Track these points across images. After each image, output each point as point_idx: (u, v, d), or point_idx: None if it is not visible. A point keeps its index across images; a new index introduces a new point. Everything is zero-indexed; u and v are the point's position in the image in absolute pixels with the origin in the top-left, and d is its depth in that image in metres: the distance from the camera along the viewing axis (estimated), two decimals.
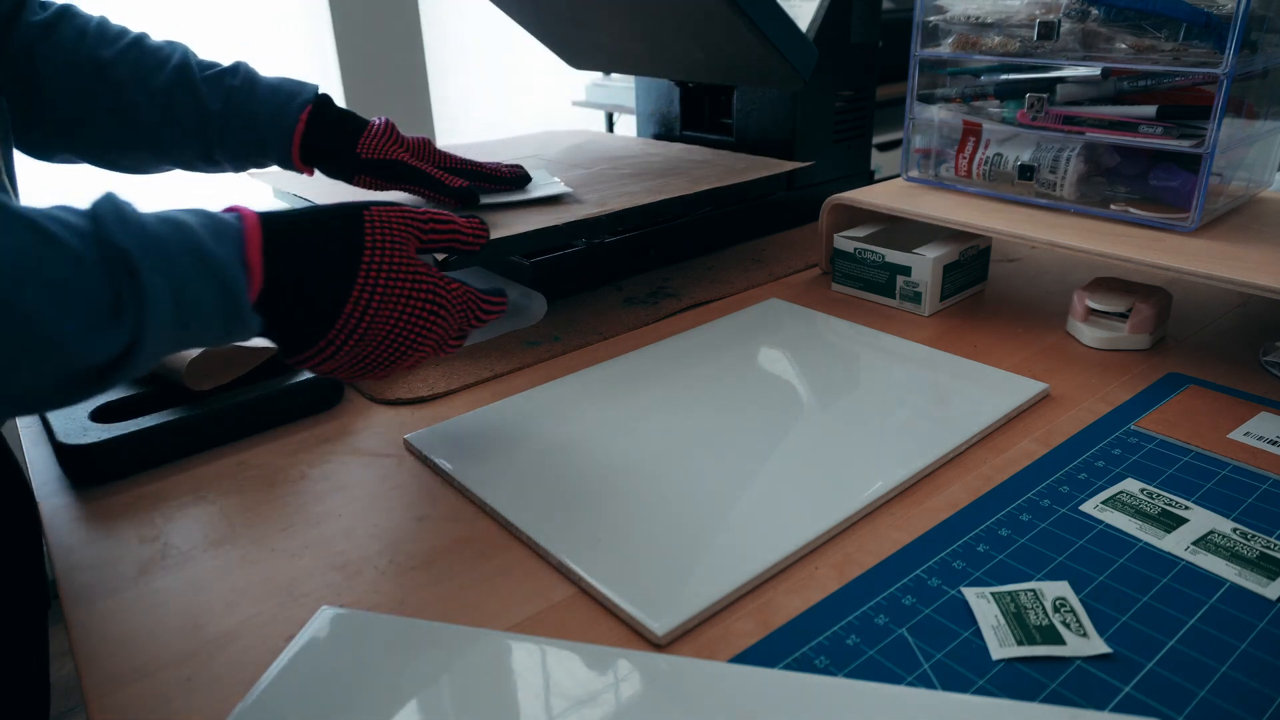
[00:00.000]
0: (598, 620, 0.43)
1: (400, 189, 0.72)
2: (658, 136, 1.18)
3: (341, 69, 2.38)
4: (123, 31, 0.66)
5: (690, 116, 1.13)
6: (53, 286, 0.34)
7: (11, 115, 0.60)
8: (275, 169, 0.72)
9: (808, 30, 0.95)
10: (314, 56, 2.38)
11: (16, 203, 0.36)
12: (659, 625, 0.41)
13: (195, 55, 0.68)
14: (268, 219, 0.44)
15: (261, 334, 0.45)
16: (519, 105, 2.83)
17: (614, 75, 2.25)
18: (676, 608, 0.42)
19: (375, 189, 0.72)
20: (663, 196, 0.80)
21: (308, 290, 0.45)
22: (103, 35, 0.64)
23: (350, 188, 0.74)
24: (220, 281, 0.41)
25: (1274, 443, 0.55)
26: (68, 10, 0.64)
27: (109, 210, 0.38)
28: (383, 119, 0.71)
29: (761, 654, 0.40)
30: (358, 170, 0.70)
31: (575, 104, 2.45)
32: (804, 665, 0.39)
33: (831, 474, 0.52)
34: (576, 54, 1.14)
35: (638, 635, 0.42)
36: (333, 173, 0.71)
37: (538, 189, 0.75)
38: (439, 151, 0.75)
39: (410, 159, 0.71)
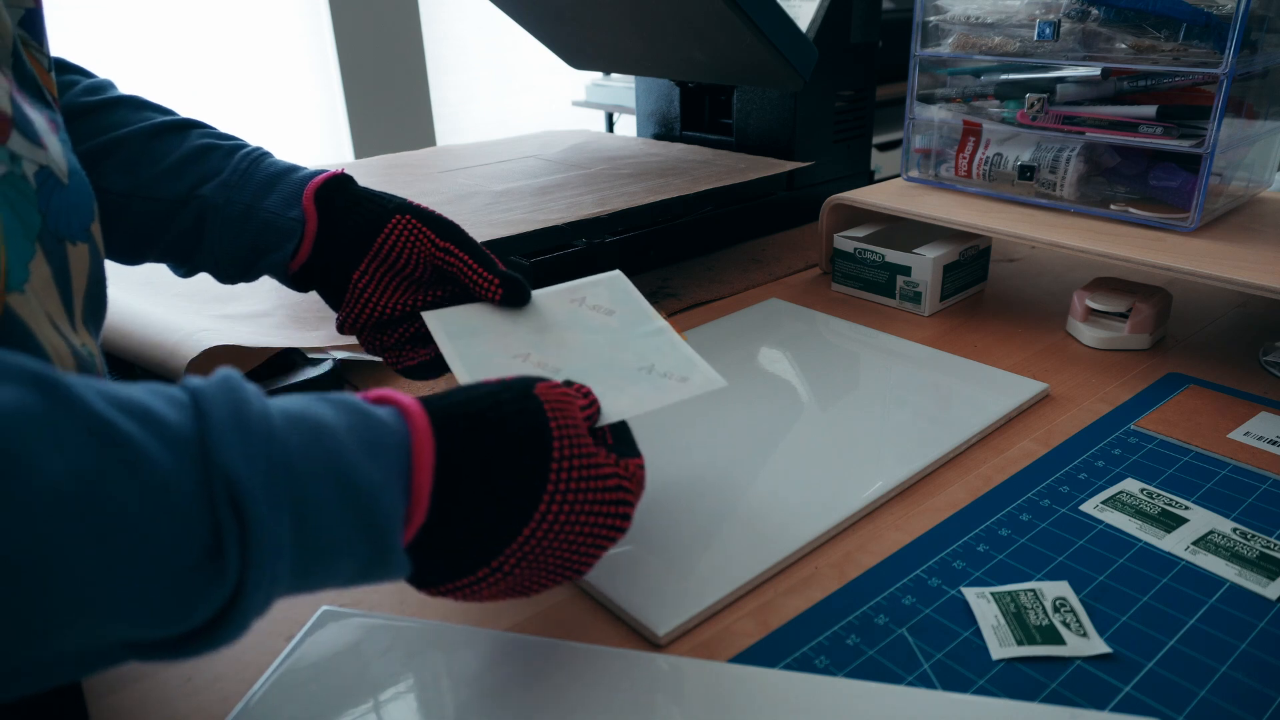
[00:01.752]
0: (598, 620, 0.43)
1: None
2: (658, 136, 1.18)
3: (341, 69, 2.38)
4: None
5: (690, 116, 1.13)
6: (118, 529, 0.23)
7: None
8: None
9: (808, 30, 0.95)
10: (314, 56, 2.38)
11: (84, 388, 0.24)
12: (659, 626, 0.41)
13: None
14: (436, 416, 0.33)
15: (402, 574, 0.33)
16: (519, 105, 2.83)
17: (614, 75, 2.25)
18: (676, 608, 0.42)
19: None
20: (663, 196, 0.81)
21: (485, 514, 0.33)
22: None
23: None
24: (368, 519, 0.29)
25: (1274, 443, 0.55)
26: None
27: (223, 404, 0.26)
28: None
29: (761, 654, 0.40)
30: (401, 207, 0.53)
31: (575, 104, 2.45)
32: (804, 665, 0.39)
33: (831, 474, 0.52)
34: (576, 54, 1.14)
35: (638, 635, 0.42)
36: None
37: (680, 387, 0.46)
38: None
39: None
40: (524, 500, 0.34)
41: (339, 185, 0.53)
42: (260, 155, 0.54)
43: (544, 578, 0.37)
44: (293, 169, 0.54)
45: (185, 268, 0.55)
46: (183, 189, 0.52)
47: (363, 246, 0.52)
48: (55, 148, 0.38)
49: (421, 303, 0.53)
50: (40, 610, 0.22)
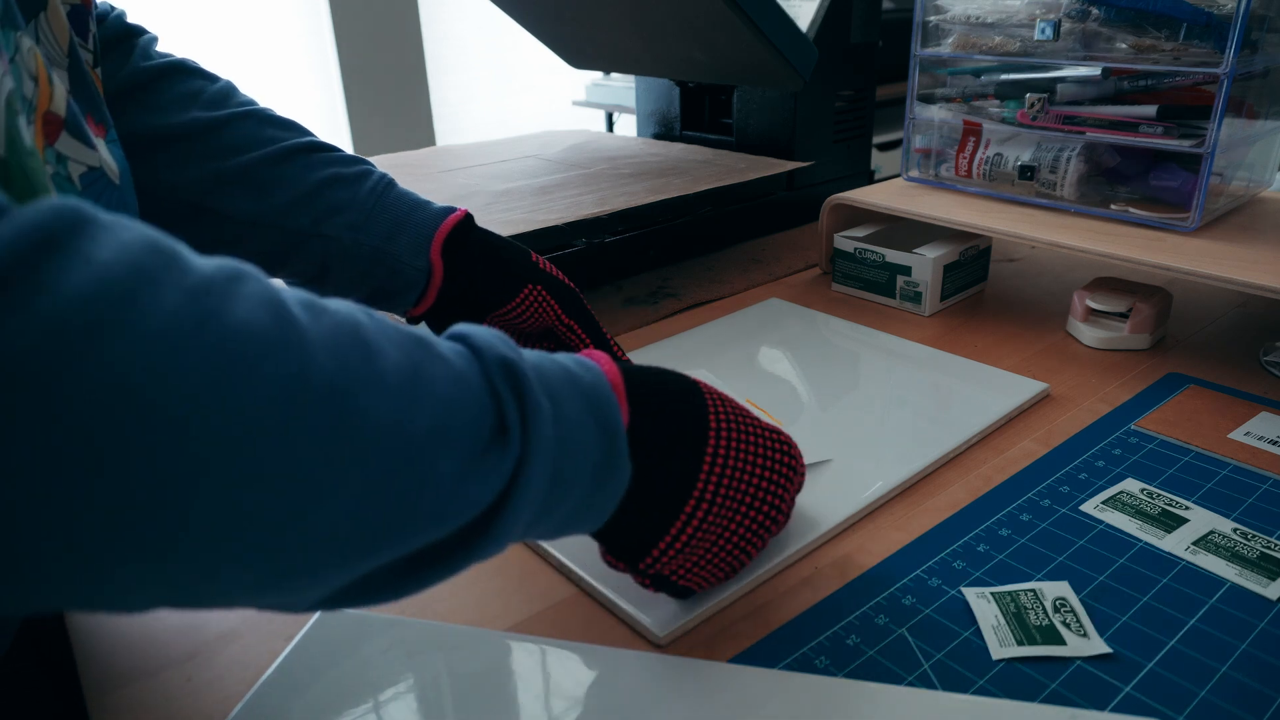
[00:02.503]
0: (597, 620, 0.43)
1: None
2: (658, 136, 1.18)
3: (342, 69, 2.39)
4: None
5: (690, 116, 1.13)
6: (439, 408, 0.27)
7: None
8: None
9: (808, 30, 0.95)
10: (314, 56, 2.38)
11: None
12: (659, 626, 0.41)
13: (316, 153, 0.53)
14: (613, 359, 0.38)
15: (611, 516, 0.36)
16: (519, 105, 2.83)
17: (614, 75, 2.25)
18: (677, 610, 0.42)
19: None
20: (663, 196, 0.80)
21: (670, 430, 0.37)
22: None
23: None
24: (596, 406, 0.33)
25: (1274, 443, 0.55)
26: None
27: (474, 329, 0.32)
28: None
29: (761, 654, 0.40)
30: (530, 276, 0.55)
31: (575, 104, 2.45)
32: (804, 665, 0.39)
33: (832, 474, 0.52)
34: (576, 54, 1.14)
35: (638, 635, 0.42)
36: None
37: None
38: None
39: None
40: (696, 429, 0.38)
41: (465, 232, 0.53)
42: (386, 187, 0.54)
43: (738, 538, 0.40)
44: (419, 205, 0.54)
45: (309, 289, 0.54)
46: (307, 222, 0.52)
47: (487, 305, 0.53)
48: (104, 147, 0.37)
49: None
50: (394, 486, 0.25)
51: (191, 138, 0.51)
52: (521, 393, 0.30)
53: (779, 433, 0.42)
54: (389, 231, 0.52)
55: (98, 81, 0.40)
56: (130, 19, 0.54)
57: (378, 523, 0.25)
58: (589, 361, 0.35)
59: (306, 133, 0.55)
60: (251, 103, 0.54)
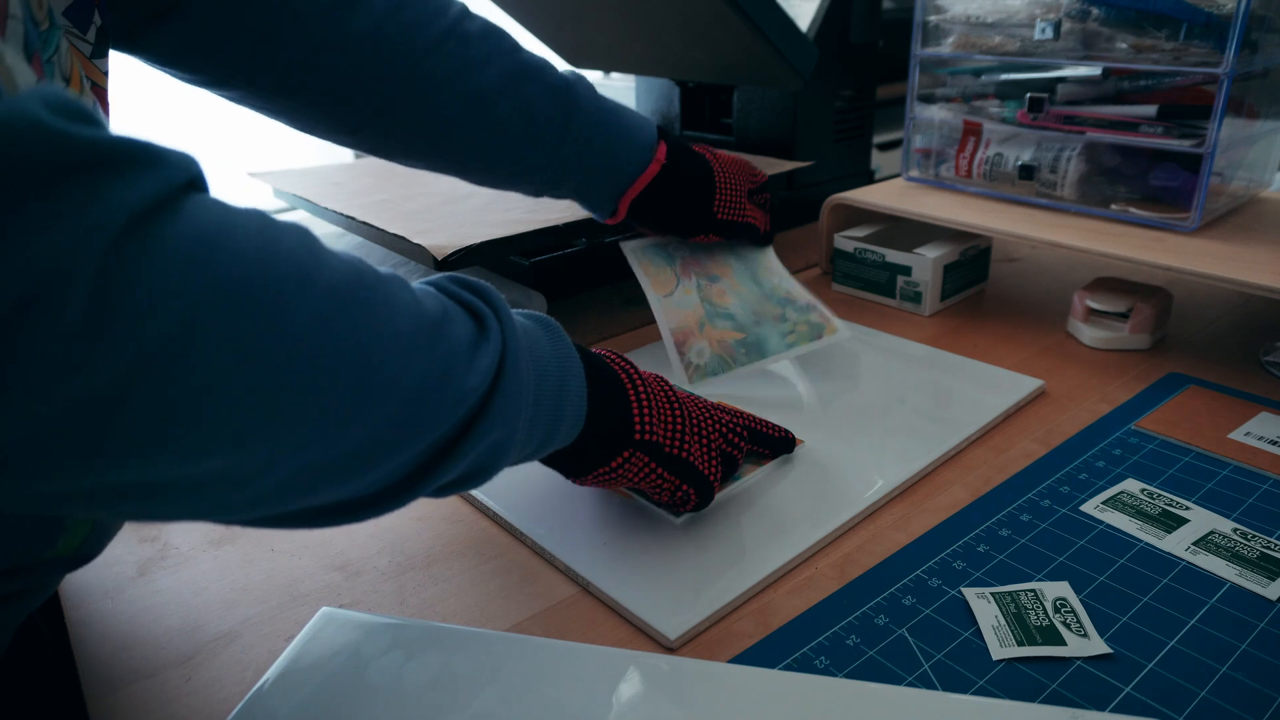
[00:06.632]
0: (598, 620, 0.43)
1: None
2: None
3: None
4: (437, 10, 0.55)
5: (690, 116, 1.13)
6: (437, 310, 0.33)
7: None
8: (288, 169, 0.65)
9: (808, 30, 0.95)
10: None
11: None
12: (670, 629, 0.41)
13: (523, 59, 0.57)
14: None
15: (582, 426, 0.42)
16: None
17: (614, 75, 2.25)
18: (686, 612, 0.42)
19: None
20: None
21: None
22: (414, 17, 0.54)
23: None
24: (544, 325, 0.41)
25: (1274, 443, 0.55)
26: None
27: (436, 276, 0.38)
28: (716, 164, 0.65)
29: (761, 654, 0.40)
30: (705, 229, 0.66)
31: None
32: (804, 665, 0.39)
33: (832, 474, 0.52)
34: (576, 53, 1.14)
35: (638, 635, 0.42)
36: (663, 225, 0.66)
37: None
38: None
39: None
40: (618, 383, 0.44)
41: (661, 184, 0.62)
42: (591, 126, 0.59)
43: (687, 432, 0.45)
44: (617, 154, 0.60)
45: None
46: (506, 176, 0.60)
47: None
48: None
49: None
50: (424, 367, 0.31)
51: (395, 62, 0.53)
52: (489, 295, 0.37)
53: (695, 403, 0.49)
54: (580, 183, 0.60)
55: (93, 74, 0.39)
56: None
57: (414, 412, 0.31)
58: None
59: (506, 47, 0.56)
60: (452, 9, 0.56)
